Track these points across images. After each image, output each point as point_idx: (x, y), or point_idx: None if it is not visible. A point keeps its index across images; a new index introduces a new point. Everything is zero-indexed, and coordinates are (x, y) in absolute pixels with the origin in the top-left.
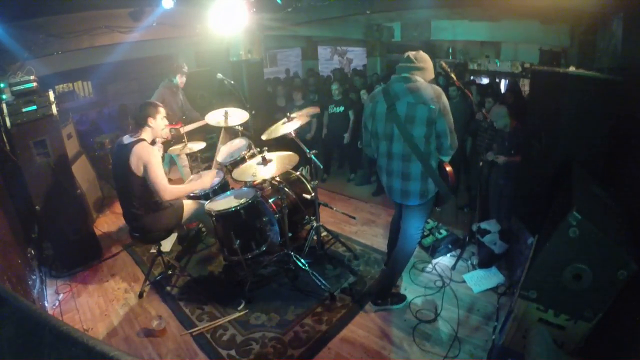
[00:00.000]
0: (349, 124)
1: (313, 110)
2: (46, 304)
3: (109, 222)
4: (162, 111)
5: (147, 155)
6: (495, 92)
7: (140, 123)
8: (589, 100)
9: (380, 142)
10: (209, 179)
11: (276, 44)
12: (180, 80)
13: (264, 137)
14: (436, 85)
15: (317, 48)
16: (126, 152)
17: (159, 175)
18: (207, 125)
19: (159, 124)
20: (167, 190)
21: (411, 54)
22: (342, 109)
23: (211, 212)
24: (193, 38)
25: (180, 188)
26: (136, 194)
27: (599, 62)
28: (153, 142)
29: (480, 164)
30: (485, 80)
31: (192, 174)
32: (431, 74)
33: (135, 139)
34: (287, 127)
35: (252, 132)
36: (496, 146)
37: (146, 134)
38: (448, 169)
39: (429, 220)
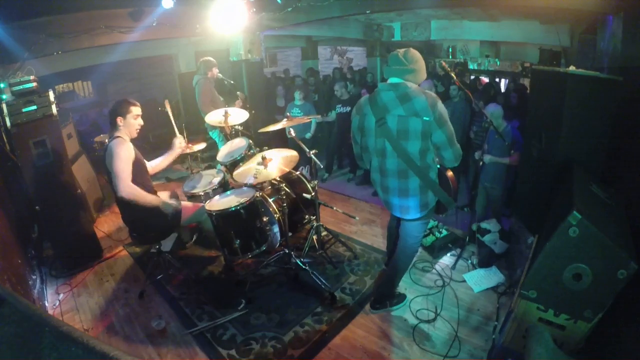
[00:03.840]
0: None
1: (313, 117)
2: (46, 304)
3: (109, 222)
4: (133, 110)
5: (115, 148)
6: (497, 92)
7: (111, 122)
8: (589, 100)
9: (373, 157)
10: (164, 196)
11: (276, 44)
12: (214, 72)
13: (260, 131)
14: (439, 85)
15: (317, 48)
16: (105, 151)
17: (120, 168)
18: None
19: (129, 123)
20: (127, 185)
21: (400, 52)
22: (348, 108)
23: (211, 212)
24: (193, 38)
25: (141, 191)
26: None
27: (599, 62)
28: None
29: (481, 163)
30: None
31: (192, 173)
32: (423, 75)
33: (112, 137)
34: (282, 124)
35: (252, 132)
36: (487, 146)
37: (121, 132)
38: (449, 174)
39: (429, 220)
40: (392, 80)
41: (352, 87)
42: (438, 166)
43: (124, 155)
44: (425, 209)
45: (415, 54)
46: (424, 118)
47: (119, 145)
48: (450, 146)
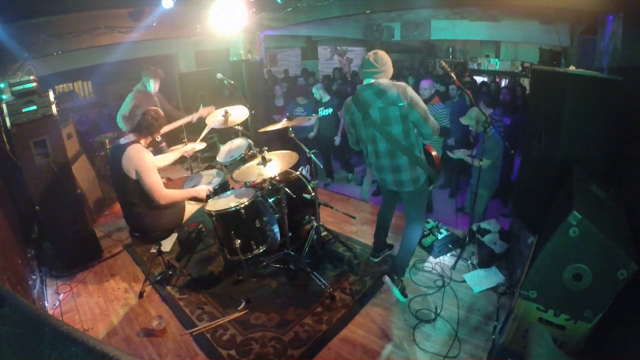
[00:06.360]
0: (339, 126)
1: (314, 116)
2: (46, 304)
3: (109, 222)
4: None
5: (139, 159)
6: (491, 91)
7: (148, 131)
8: (589, 100)
9: (367, 144)
10: (204, 190)
11: (276, 44)
12: (154, 86)
13: (260, 130)
14: (438, 86)
15: (317, 48)
16: (120, 154)
17: (153, 179)
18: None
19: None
20: (163, 194)
21: (370, 56)
22: (330, 110)
23: (211, 212)
24: (193, 38)
25: (176, 193)
26: (133, 193)
27: (599, 62)
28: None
29: (481, 163)
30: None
31: (192, 173)
32: (391, 72)
33: (129, 141)
34: (282, 124)
35: (252, 132)
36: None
37: (141, 137)
38: (434, 153)
39: (429, 220)
40: (367, 80)
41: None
42: (425, 143)
43: (151, 165)
44: (417, 182)
45: (384, 55)
46: (399, 104)
47: (141, 155)
48: (425, 122)
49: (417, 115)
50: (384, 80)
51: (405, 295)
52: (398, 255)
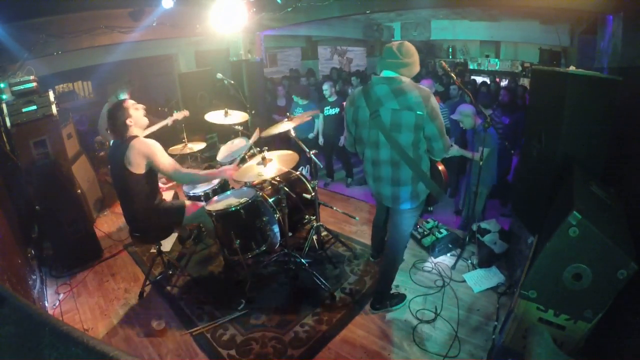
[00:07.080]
0: (344, 126)
1: (313, 112)
2: (46, 304)
3: (109, 222)
4: (130, 103)
5: (147, 146)
6: (493, 95)
7: (122, 130)
8: (589, 100)
9: (366, 148)
10: (229, 169)
11: (276, 44)
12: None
13: (262, 134)
14: (437, 86)
15: (317, 48)
16: (122, 151)
17: (167, 162)
18: (207, 125)
19: (137, 116)
20: (181, 172)
21: (394, 46)
22: (337, 110)
23: (211, 212)
24: (193, 38)
25: (197, 171)
26: (135, 192)
27: (599, 62)
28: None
29: (481, 163)
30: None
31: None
32: (417, 68)
33: (128, 137)
34: (287, 125)
35: (252, 132)
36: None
37: (133, 131)
38: (441, 167)
39: (429, 220)
40: (386, 73)
41: (358, 83)
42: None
43: (159, 148)
44: (417, 199)
45: (410, 47)
46: (417, 112)
47: (148, 144)
48: (440, 137)
49: (434, 128)
50: (407, 80)
51: (402, 299)
52: (378, 284)
